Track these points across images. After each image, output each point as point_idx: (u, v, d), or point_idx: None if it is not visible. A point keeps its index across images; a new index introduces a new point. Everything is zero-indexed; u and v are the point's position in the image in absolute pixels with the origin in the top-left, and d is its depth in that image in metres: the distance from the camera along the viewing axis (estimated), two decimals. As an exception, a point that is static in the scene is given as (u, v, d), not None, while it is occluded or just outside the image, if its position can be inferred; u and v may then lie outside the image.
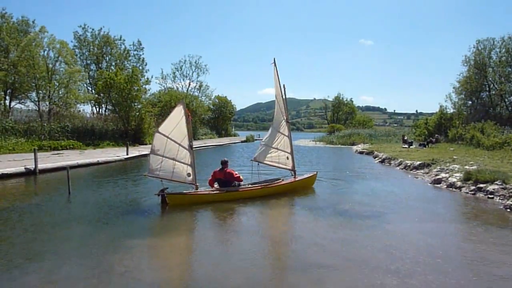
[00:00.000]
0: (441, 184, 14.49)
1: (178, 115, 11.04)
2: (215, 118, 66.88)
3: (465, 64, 38.75)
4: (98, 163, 20.68)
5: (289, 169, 14.03)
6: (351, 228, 8.66)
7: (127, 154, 24.12)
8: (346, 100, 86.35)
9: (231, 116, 72.31)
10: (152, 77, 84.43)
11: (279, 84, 13.55)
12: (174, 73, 62.88)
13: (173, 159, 10.92)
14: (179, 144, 11.01)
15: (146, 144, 34.55)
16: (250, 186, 12.17)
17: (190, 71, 63.34)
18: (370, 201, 11.77)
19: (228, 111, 68.35)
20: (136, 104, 35.98)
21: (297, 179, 13.66)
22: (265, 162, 13.47)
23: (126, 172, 18.06)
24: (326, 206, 11.08)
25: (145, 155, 25.36)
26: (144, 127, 35.80)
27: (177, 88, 61.19)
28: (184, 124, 11.03)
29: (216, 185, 11.73)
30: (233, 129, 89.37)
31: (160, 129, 10.91)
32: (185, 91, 60.93)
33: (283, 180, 13.31)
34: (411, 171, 18.74)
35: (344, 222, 9.20)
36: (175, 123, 10.96)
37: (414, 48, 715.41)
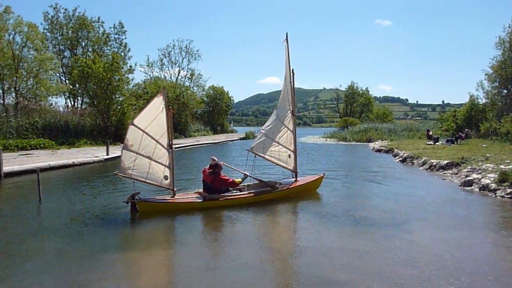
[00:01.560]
0: (472, 187, 14.46)
1: (157, 107, 10.90)
2: (209, 112, 66.97)
3: (499, 47, 38.56)
4: (73, 165, 20.69)
5: (290, 170, 13.86)
6: (366, 238, 8.62)
7: (107, 154, 24.13)
8: (361, 89, 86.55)
9: (228, 109, 72.40)
10: (136, 64, 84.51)
11: (289, 67, 13.23)
12: (161, 60, 62.89)
13: (148, 157, 10.82)
14: (157, 141, 10.91)
15: (129, 143, 34.56)
16: (238, 193, 11.90)
17: (180, 58, 63.54)
18: (389, 206, 11.74)
19: (225, 103, 68.41)
20: (117, 96, 36.00)
21: (298, 184, 13.40)
22: (262, 155, 13.18)
23: (106, 175, 18.03)
24: (337, 212, 11.05)
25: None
26: (127, 123, 35.66)
27: (165, 77, 61.32)
28: (163, 118, 10.92)
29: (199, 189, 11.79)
30: (231, 124, 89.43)
31: (136, 121, 10.75)
32: (174, 81, 60.97)
33: (280, 184, 13.07)
34: (437, 172, 18.71)
35: (358, 231, 9.17)
36: (153, 116, 10.81)
37: (439, 28, 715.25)
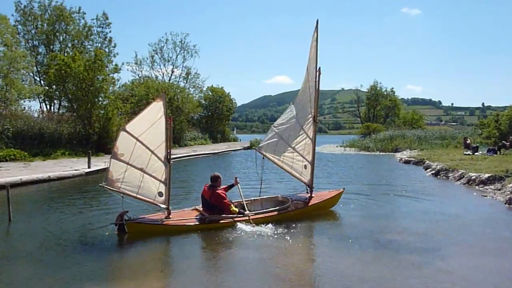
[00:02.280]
0: (518, 204, 14.36)
1: (155, 113, 10.96)
2: (208, 117, 67.14)
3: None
4: (49, 180, 20.76)
5: (304, 182, 13.82)
6: (391, 266, 8.58)
7: (88, 167, 24.20)
8: (386, 90, 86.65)
9: (230, 114, 72.56)
10: (123, 63, 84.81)
11: (316, 63, 13.10)
12: (152, 57, 63.39)
13: (141, 169, 10.83)
14: (152, 152, 10.94)
15: (114, 153, 34.64)
16: (241, 215, 11.80)
17: (174, 54, 63.99)
18: (418, 228, 11.70)
19: (226, 107, 68.60)
20: (100, 99, 36.14)
21: (315, 202, 13.35)
22: (272, 158, 13.20)
23: (87, 191, 18.09)
24: (358, 234, 11.02)
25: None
26: (112, 130, 35.89)
27: (156, 77, 61.79)
28: (162, 127, 10.97)
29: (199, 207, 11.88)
30: (234, 131, 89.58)
31: (128, 127, 10.78)
32: (167, 81, 61.29)
33: (292, 200, 13.08)
34: (477, 187, 18.62)
35: (382, 257, 9.13)
36: (150, 124, 10.86)
37: (478, 17, 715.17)
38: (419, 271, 8.23)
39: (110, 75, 37.71)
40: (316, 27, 13.06)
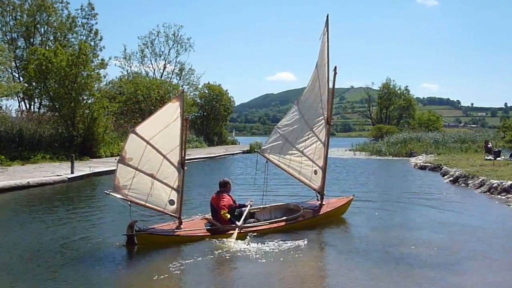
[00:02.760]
0: (544, 215, 14.40)
1: (170, 114, 11.00)
2: (203, 118, 67.12)
3: None
4: (28, 186, 20.76)
5: (314, 189, 13.93)
6: (405, 282, 8.60)
7: (71, 173, 24.21)
8: (400, 89, 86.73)
9: (228, 114, 72.61)
10: (110, 58, 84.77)
11: (327, 61, 13.36)
12: (142, 51, 63.55)
13: (151, 175, 10.87)
14: (164, 157, 10.96)
15: (100, 157, 34.71)
16: (255, 224, 12.10)
17: (166, 48, 64.01)
18: (435, 240, 11.71)
19: (223, 106, 68.65)
20: (85, 97, 36.19)
21: (326, 210, 13.51)
22: (277, 162, 13.32)
23: (70, 199, 18.12)
24: (369, 247, 11.05)
25: (99, 174, 25.51)
26: (98, 132, 35.98)
27: (147, 73, 61.86)
28: (177, 129, 10.98)
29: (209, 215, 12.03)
30: (233, 133, 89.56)
31: (138, 129, 10.83)
32: (159, 77, 61.36)
33: (303, 208, 13.16)
34: (499, 196, 18.64)
35: (395, 272, 9.16)
36: (163, 126, 10.89)
37: (501, 9, 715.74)
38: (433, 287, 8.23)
39: (96, 71, 37.61)
40: (327, 22, 13.24)
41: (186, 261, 9.60)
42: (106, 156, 35.73)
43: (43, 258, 10.02)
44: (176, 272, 9.04)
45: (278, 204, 14.10)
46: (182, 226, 11.34)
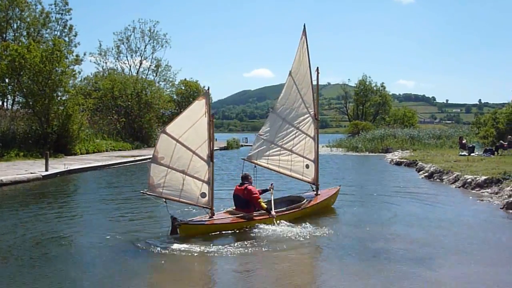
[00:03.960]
0: (517, 209, 14.66)
1: (197, 112, 11.60)
2: (180, 114, 66.78)
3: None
4: (1, 184, 20.46)
5: (308, 182, 15.09)
6: (378, 277, 8.68)
7: (46, 170, 23.92)
8: (376, 85, 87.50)
9: (205, 110, 72.33)
10: (85, 54, 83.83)
11: (309, 65, 14.53)
12: (117, 47, 62.74)
13: (182, 172, 11.48)
14: (194, 152, 11.58)
15: (75, 155, 34.35)
16: (277, 211, 12.99)
17: (142, 44, 63.35)
18: (411, 235, 11.88)
19: (200, 103, 68.34)
20: (60, 94, 35.77)
21: (322, 199, 14.76)
22: (266, 165, 14.19)
23: (44, 197, 17.88)
24: (347, 243, 11.21)
25: (74, 171, 25.24)
26: (73, 129, 35.59)
27: (123, 70, 61.29)
28: (204, 125, 11.64)
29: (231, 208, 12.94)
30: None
31: (168, 128, 11.41)
32: (135, 74, 60.92)
33: (305, 198, 14.29)
34: (473, 191, 18.95)
35: (370, 268, 9.25)
36: (191, 123, 11.50)
37: (476, 8, 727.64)
38: (407, 283, 8.34)
39: (71, 67, 37.30)
40: (304, 31, 14.39)
41: (221, 247, 9.58)
42: (81, 153, 35.41)
43: (14, 255, 9.95)
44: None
45: (281, 197, 14.92)
46: (214, 217, 12.07)
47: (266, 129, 14.24)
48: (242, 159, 14.05)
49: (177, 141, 11.32)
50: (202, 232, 11.57)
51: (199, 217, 12.23)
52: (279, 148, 14.34)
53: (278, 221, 12.37)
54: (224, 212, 12.77)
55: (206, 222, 11.81)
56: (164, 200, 11.45)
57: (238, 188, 12.80)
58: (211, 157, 11.79)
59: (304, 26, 14.44)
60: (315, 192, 15.08)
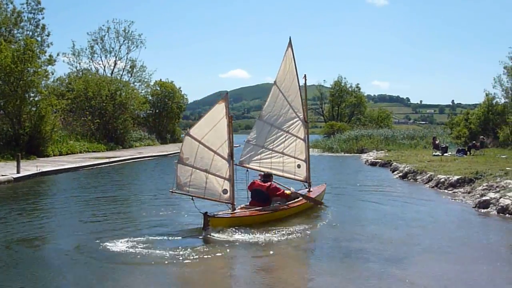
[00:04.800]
0: (488, 209, 14.89)
1: (217, 115, 12.51)
2: (155, 115, 66.49)
3: (521, 33, 40.04)
4: (-29, 187, 20.12)
5: (300, 180, 16.31)
6: (350, 277, 8.76)
7: (17, 172, 23.54)
8: (351, 86, 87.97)
9: (181, 111, 72.11)
10: (58, 54, 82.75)
11: (296, 73, 15.57)
12: (91, 47, 62.06)
13: (205, 171, 12.45)
14: (215, 152, 12.51)
15: (48, 156, 33.85)
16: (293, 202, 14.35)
17: (117, 44, 62.79)
18: (385, 234, 11.99)
19: (176, 104, 68.15)
20: (32, 94, 35.30)
21: (317, 194, 15.92)
22: (258, 168, 14.98)
23: (16, 200, 17.58)
24: (322, 242, 11.38)
25: (47, 173, 24.87)
26: (46, 130, 35.09)
27: (97, 70, 60.62)
28: (224, 127, 12.56)
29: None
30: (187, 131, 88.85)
31: (192, 131, 12.37)
32: (109, 74, 60.38)
33: (302, 194, 15.27)
34: (446, 190, 19.21)
35: (343, 268, 9.33)
36: (212, 125, 12.43)
37: (448, 10, 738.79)
38: (378, 282, 8.42)
39: (43, 68, 36.74)
40: (290, 43, 15.37)
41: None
42: (54, 155, 34.89)
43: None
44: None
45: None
46: (236, 211, 12.94)
47: (254, 135, 15.10)
48: (235, 164, 14.18)
49: (200, 142, 12.28)
50: (232, 224, 12.21)
51: (222, 212, 12.89)
52: (270, 151, 15.30)
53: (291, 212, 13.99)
54: (239, 208, 13.37)
55: (236, 215, 12.70)
56: (191, 198, 12.30)
57: (259, 183, 13.70)
58: (231, 155, 12.68)
59: (290, 38, 15.46)
60: (307, 189, 16.14)
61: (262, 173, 14.24)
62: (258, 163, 15.02)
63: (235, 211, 12.88)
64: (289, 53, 15.38)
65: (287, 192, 14.26)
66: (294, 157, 15.83)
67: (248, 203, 13.76)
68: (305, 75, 16.42)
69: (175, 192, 12.37)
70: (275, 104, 15.34)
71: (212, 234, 11.51)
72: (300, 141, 15.97)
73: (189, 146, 12.31)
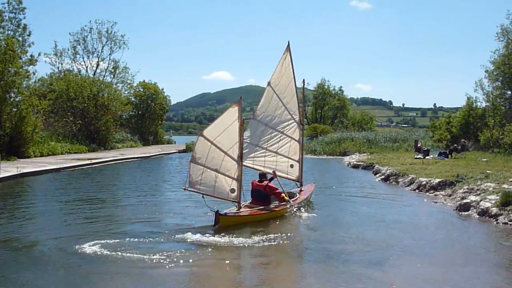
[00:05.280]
0: (469, 211, 15.04)
1: (230, 118, 13.26)
2: (138, 117, 66.12)
3: (502, 38, 40.42)
4: (-50, 188, 19.84)
5: (293, 180, 17.14)
6: (330, 279, 8.79)
7: (-3, 173, 23.27)
8: (334, 89, 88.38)
9: (163, 113, 71.79)
10: (39, 54, 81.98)
11: (293, 77, 16.25)
12: (74, 47, 61.55)
13: (215, 170, 13.22)
14: (225, 153, 13.26)
15: (29, 157, 33.48)
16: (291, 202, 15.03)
17: (99, 45, 62.34)
18: (367, 236, 12.04)
19: (159, 105, 67.84)
20: (13, 95, 34.93)
21: (309, 193, 17.04)
22: (252, 166, 15.75)
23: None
24: (302, 244, 11.50)
25: (27, 175, 24.59)
26: (27, 131, 34.72)
27: (79, 71, 60.10)
28: (236, 129, 13.28)
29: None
30: (171, 133, 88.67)
31: (205, 132, 13.16)
32: (92, 75, 59.91)
33: (297, 193, 16.42)
34: (428, 193, 19.37)
35: (324, 270, 9.36)
36: (224, 127, 13.19)
37: (431, 14, 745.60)
38: (357, 284, 8.47)
39: (24, 68, 36.39)
40: (288, 47, 16.10)
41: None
42: (35, 156, 34.52)
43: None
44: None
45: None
46: (241, 210, 13.70)
47: (248, 134, 15.61)
48: None
49: (212, 143, 13.04)
50: (239, 222, 13.12)
51: (228, 210, 13.70)
52: (264, 150, 16.00)
53: (293, 208, 14.84)
54: (244, 207, 14.08)
55: (242, 214, 13.53)
56: (202, 195, 13.08)
57: (257, 184, 14.45)
58: (240, 157, 13.47)
59: (288, 42, 16.16)
60: (299, 188, 17.01)
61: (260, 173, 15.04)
62: (252, 161, 15.65)
63: (240, 210, 13.63)
64: (287, 56, 16.04)
65: (285, 197, 14.67)
66: (288, 157, 16.55)
67: (248, 202, 14.54)
68: (303, 80, 17.41)
69: (187, 189, 13.15)
70: (269, 105, 15.92)
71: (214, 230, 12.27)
72: (295, 142, 16.76)
73: (201, 146, 13.07)
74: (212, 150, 13.05)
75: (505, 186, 16.26)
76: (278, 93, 15.98)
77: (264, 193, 14.40)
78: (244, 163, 15.00)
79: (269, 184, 14.52)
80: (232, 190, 13.42)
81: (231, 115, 13.25)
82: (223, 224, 12.62)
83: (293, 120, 16.55)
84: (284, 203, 14.63)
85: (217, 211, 12.73)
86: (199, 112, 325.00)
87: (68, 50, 60.95)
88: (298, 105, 16.74)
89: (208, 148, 13.02)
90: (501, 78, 40.69)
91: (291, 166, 16.81)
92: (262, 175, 14.80)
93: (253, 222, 13.40)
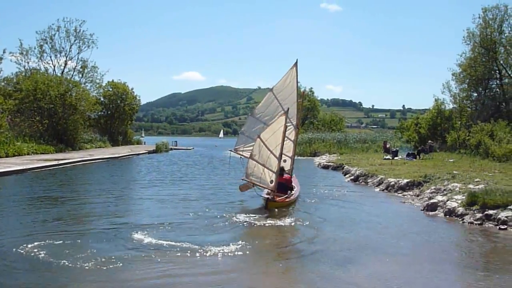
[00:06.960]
0: (436, 211, 15.35)
1: (278, 124, 15.96)
2: (107, 117, 65.32)
3: (468, 42, 41.32)
4: None
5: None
6: (301, 280, 8.88)
7: (-40, 174, 22.71)
8: (305, 90, 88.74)
9: (133, 113, 71.09)
10: (4, 51, 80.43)
11: (296, 88, 18.66)
12: (41, 46, 60.38)
13: (263, 165, 16.04)
14: (271, 152, 16.00)
15: (-6, 158, 32.82)
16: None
17: (67, 44, 61.30)
18: (336, 236, 12.13)
19: (128, 105, 67.14)
20: (-23, 94, 34.14)
21: (298, 186, 19.24)
22: (247, 156, 16.92)
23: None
24: (270, 244, 11.48)
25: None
26: (-7, 131, 34.05)
27: (47, 70, 58.98)
28: (281, 133, 15.98)
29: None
30: (142, 133, 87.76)
31: (262, 135, 15.98)
32: (59, 74, 58.94)
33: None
34: (396, 193, 19.67)
35: (295, 270, 9.46)
36: (273, 131, 15.99)
37: (400, 16, 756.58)
38: (325, 284, 8.54)
39: (-11, 67, 35.69)
40: (295, 64, 18.44)
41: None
42: (0, 157, 33.80)
43: None
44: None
45: None
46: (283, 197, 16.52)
47: (246, 128, 18.81)
48: (230, 150, 18.32)
49: (264, 143, 15.85)
50: (283, 206, 16.01)
51: (269, 195, 16.12)
52: (262, 144, 17.21)
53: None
54: (267, 195, 16.33)
55: (287, 200, 16.51)
56: (253, 185, 16.70)
57: (281, 177, 16.95)
58: (280, 155, 16.12)
59: (297, 60, 18.62)
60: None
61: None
62: (249, 152, 17.08)
63: (280, 197, 16.29)
64: (293, 71, 18.45)
65: (293, 185, 18.22)
66: (283, 153, 17.68)
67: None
68: (303, 92, 19.63)
69: (244, 180, 16.52)
70: (268, 107, 18.45)
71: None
72: (290, 141, 19.09)
73: (258, 146, 15.90)
74: (263, 149, 15.88)
75: (471, 186, 16.60)
76: (280, 99, 18.32)
77: (285, 184, 17.35)
78: (242, 153, 18.23)
79: (286, 176, 17.84)
80: (271, 181, 16.08)
81: (279, 122, 15.97)
82: (271, 207, 15.49)
83: (290, 124, 18.44)
84: (293, 192, 17.49)
85: (268, 198, 15.80)
86: (169, 112, 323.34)
87: (35, 48, 59.81)
88: (297, 112, 19.12)
89: (262, 147, 15.86)
90: (467, 80, 41.62)
91: (284, 160, 18.56)
92: (283, 169, 17.44)
93: None
